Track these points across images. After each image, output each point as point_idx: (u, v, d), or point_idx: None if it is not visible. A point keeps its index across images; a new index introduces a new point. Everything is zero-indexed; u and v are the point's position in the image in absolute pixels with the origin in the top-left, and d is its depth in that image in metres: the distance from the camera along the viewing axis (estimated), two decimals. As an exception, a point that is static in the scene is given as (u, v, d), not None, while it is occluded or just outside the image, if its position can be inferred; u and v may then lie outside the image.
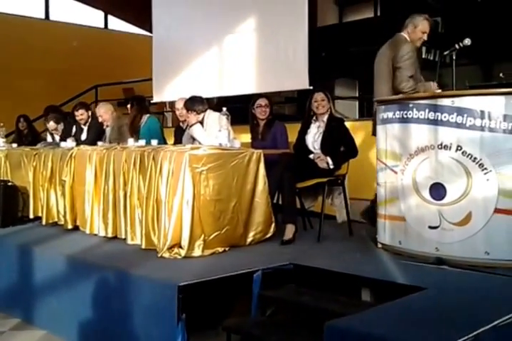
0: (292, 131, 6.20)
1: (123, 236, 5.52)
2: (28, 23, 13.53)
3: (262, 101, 6.41)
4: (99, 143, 6.80)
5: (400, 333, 3.01)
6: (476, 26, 7.59)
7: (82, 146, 6.59)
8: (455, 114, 4.29)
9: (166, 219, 4.90)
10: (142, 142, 5.88)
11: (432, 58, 7.98)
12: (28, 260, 5.42)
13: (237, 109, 7.13)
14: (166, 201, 4.94)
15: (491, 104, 4.23)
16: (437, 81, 4.92)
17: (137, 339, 4.23)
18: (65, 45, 13.50)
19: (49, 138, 8.72)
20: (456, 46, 4.86)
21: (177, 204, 4.87)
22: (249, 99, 6.76)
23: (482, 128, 4.22)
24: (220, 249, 5.01)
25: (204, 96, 6.33)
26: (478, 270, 4.16)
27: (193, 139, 6.08)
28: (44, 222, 6.64)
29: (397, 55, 5.06)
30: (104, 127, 7.55)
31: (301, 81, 7.90)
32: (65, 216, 6.29)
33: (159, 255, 4.82)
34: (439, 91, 4.78)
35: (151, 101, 10.24)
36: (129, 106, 7.36)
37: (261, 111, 6.39)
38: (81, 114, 7.89)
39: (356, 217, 6.04)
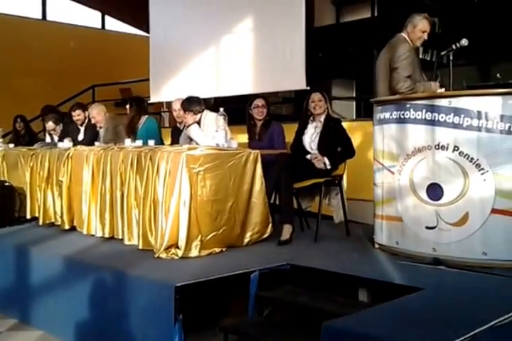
0: (289, 132, 6.20)
1: (120, 237, 5.52)
2: (25, 23, 13.51)
3: (259, 102, 6.42)
4: (97, 143, 6.80)
5: (397, 333, 3.01)
6: (473, 26, 7.58)
7: (79, 147, 6.59)
8: (452, 114, 4.30)
9: (163, 219, 4.90)
10: (139, 142, 5.87)
11: (428, 58, 7.97)
12: (25, 260, 5.42)
13: (234, 109, 7.12)
14: (163, 201, 4.94)
15: (488, 104, 4.24)
16: (439, 80, 4.90)
17: (134, 340, 4.23)
18: (62, 46, 13.48)
19: (48, 139, 8.71)
20: (453, 46, 4.86)
21: (174, 205, 4.87)
22: (246, 100, 6.76)
23: (479, 129, 4.23)
24: (217, 250, 5.01)
25: (201, 96, 6.33)
26: (475, 270, 4.17)
27: (190, 139, 6.07)
28: (41, 223, 6.63)
29: (394, 56, 5.05)
30: (98, 128, 7.54)
31: (298, 81, 7.89)
32: (62, 216, 6.29)
33: (156, 255, 4.82)
34: (442, 90, 4.77)
35: (148, 102, 10.22)
36: (127, 106, 7.36)
37: (258, 111, 6.39)
38: (78, 115, 7.89)
39: (353, 217, 6.04)
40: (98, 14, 15.25)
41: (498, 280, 4.00)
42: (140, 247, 5.12)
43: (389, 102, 4.84)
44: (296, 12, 8.00)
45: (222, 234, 5.07)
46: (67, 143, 7.10)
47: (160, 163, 5.03)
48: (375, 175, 4.99)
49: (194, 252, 4.86)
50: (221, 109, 5.78)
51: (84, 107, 8.10)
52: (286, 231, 5.35)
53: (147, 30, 10.98)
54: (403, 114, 4.59)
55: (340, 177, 5.81)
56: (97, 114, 7.45)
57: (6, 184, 7.11)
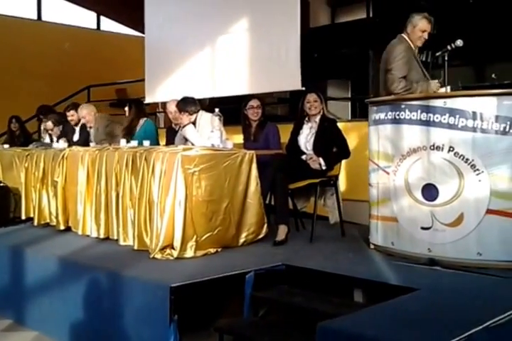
0: (285, 132, 6.20)
1: (115, 237, 5.51)
2: (20, 23, 13.46)
3: (254, 103, 6.41)
4: (92, 144, 6.79)
5: (392, 334, 3.01)
6: (468, 27, 7.60)
7: (74, 147, 6.59)
8: (447, 114, 4.30)
9: (158, 220, 4.90)
10: (134, 143, 5.87)
11: (424, 59, 7.99)
12: (19, 261, 5.41)
13: (230, 109, 7.12)
14: (158, 202, 4.94)
15: (483, 105, 4.25)
16: (441, 80, 4.89)
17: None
18: (57, 46, 13.45)
19: (47, 139, 8.68)
20: (449, 47, 4.86)
21: (169, 205, 4.86)
22: (241, 100, 6.76)
23: (474, 129, 4.23)
24: (213, 250, 5.00)
25: (196, 97, 6.32)
26: (470, 271, 4.17)
27: (186, 140, 6.07)
28: (36, 223, 6.62)
29: (390, 57, 5.04)
30: (88, 128, 7.53)
31: (293, 82, 7.89)
32: (57, 217, 6.28)
33: (151, 256, 4.82)
34: (443, 90, 4.76)
35: (144, 102, 10.21)
36: (126, 108, 7.36)
37: (253, 112, 6.39)
38: (72, 115, 7.88)
39: (349, 217, 6.04)
40: (93, 15, 15.23)
41: (493, 281, 4.00)
42: (135, 248, 5.11)
43: (384, 103, 4.84)
44: (291, 13, 7.99)
45: (217, 234, 5.06)
46: (62, 143, 7.09)
47: (155, 164, 5.03)
48: (371, 175, 4.99)
49: (189, 253, 4.86)
50: (216, 110, 5.77)
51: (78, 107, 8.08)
52: (282, 231, 5.34)
53: (142, 31, 10.98)
54: (398, 115, 4.59)
55: (336, 177, 5.81)
56: (87, 113, 7.44)
57: (1, 184, 7.12)
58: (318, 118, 5.84)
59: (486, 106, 4.23)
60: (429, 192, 4.42)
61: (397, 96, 4.83)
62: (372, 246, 5.02)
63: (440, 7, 7.81)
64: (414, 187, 4.52)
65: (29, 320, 5.25)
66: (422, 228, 4.49)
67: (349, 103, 10.87)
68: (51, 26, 14.06)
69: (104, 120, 7.42)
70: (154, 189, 4.99)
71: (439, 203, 4.38)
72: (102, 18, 15.34)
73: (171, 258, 4.79)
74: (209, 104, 9.19)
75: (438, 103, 4.37)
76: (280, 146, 6.24)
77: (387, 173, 4.74)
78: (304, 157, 5.76)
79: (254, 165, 5.33)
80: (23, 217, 6.91)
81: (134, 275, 4.35)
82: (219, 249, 5.05)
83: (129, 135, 6.85)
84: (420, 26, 5.09)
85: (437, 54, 4.99)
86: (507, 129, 4.17)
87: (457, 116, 4.27)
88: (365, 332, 3.04)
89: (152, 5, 10.21)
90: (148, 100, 10.42)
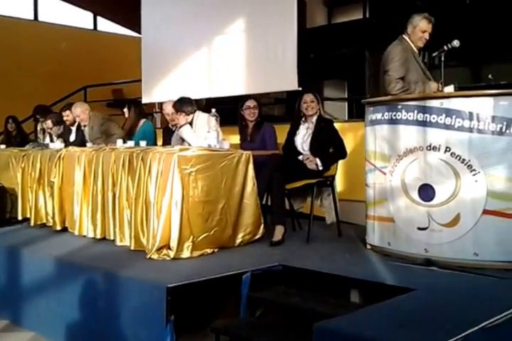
0: (281, 132, 6.20)
1: (112, 238, 5.51)
2: (16, 23, 13.45)
3: (251, 103, 6.41)
4: (88, 144, 6.78)
5: (389, 334, 3.01)
6: (464, 27, 7.60)
7: (70, 147, 6.57)
8: (444, 115, 4.31)
9: (155, 220, 4.90)
10: (131, 143, 5.87)
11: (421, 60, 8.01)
12: (16, 261, 5.40)
13: (226, 110, 7.12)
14: (154, 202, 4.93)
15: (480, 105, 4.25)
16: (442, 81, 4.88)
17: (126, 341, 4.23)
18: (54, 46, 13.43)
19: (47, 139, 8.65)
20: (445, 47, 4.86)
21: (166, 206, 4.86)
22: (238, 100, 6.76)
23: (471, 130, 4.24)
24: (209, 251, 5.00)
25: (193, 97, 6.31)
26: (467, 271, 4.17)
27: (182, 140, 6.06)
28: (32, 224, 6.62)
29: (388, 58, 5.04)
30: (82, 127, 7.52)
31: (290, 82, 7.89)
32: (53, 217, 6.27)
33: (148, 256, 4.81)
34: (444, 90, 4.76)
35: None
36: (125, 109, 7.35)
37: (249, 112, 6.38)
38: (67, 115, 7.84)
39: (345, 218, 6.05)
40: (90, 15, 15.21)
41: (489, 281, 4.01)
42: (132, 248, 5.10)
43: (381, 103, 4.84)
44: (288, 13, 7.99)
45: (213, 234, 5.06)
46: (58, 144, 7.08)
47: (152, 164, 5.02)
48: (367, 175, 4.99)
49: (186, 253, 4.85)
50: (213, 110, 5.78)
51: (72, 107, 8.07)
52: (278, 232, 5.34)
53: (139, 31, 10.95)
54: (395, 115, 4.60)
55: (332, 178, 5.81)
56: (82, 112, 7.40)
57: (-3, 185, 7.10)
58: (314, 119, 5.84)
59: (482, 106, 4.24)
60: (426, 192, 4.43)
61: (394, 96, 4.83)
62: (368, 247, 5.02)
63: (437, 7, 7.80)
64: (411, 188, 4.52)
65: (25, 321, 5.24)
66: (419, 228, 4.49)
67: (346, 103, 10.87)
68: (48, 26, 14.05)
69: (98, 118, 7.39)
70: (151, 189, 4.99)
71: (436, 203, 4.38)
72: (99, 19, 15.33)
73: (168, 258, 4.79)
74: (206, 105, 9.18)
75: (434, 103, 4.38)
76: (277, 147, 6.24)
77: (384, 173, 4.74)
78: (300, 157, 5.76)
79: (250, 166, 5.33)
80: (20, 218, 6.91)
81: (131, 276, 4.34)
82: (215, 250, 5.05)
83: (128, 136, 6.87)
84: (420, 27, 5.09)
85: (434, 54, 5.00)
86: (503, 130, 4.18)
87: (454, 116, 4.27)
88: (361, 333, 3.03)
89: (149, 5, 10.19)
90: (144, 100, 10.40)
